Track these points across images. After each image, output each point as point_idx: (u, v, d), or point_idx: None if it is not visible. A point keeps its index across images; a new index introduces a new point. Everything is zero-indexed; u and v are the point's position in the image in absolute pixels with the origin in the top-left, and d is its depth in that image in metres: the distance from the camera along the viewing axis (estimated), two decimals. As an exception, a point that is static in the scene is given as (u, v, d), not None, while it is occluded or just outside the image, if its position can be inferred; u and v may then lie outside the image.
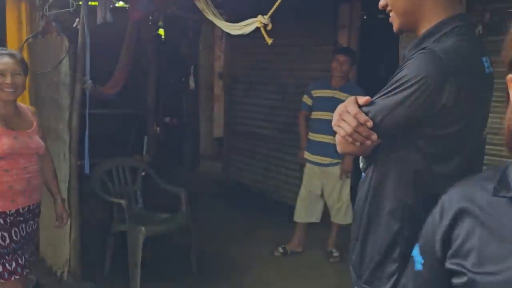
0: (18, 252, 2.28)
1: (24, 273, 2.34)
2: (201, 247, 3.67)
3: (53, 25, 3.32)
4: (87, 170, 3.14)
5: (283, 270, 3.69)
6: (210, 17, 2.39)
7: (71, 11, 3.31)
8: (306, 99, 3.87)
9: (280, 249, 3.94)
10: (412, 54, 1.22)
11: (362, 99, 1.22)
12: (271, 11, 2.06)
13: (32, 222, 2.38)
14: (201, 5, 2.41)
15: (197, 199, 4.50)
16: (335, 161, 3.74)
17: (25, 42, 3.27)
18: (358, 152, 1.32)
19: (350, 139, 1.19)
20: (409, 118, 1.19)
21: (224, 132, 6.18)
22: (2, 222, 2.23)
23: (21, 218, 2.30)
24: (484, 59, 1.24)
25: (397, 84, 1.19)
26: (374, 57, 5.58)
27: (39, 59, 3.25)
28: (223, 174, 6.13)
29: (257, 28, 2.18)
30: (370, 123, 1.18)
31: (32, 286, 3.09)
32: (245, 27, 2.18)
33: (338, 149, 1.29)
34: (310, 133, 3.83)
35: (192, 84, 6.37)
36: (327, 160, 3.76)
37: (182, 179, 5.10)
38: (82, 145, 3.14)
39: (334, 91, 3.69)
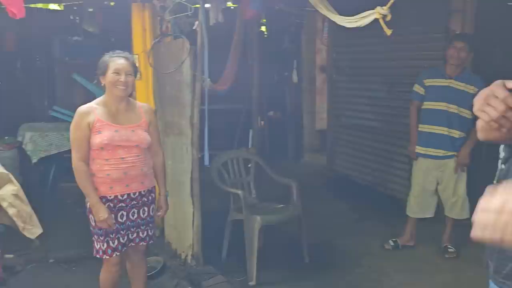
0: (121, 232, 2.58)
1: (123, 250, 2.63)
2: (310, 238, 3.74)
3: (171, 28, 3.61)
4: (207, 162, 3.37)
5: (396, 263, 3.64)
6: (324, 11, 2.43)
7: (189, 15, 3.57)
8: (418, 89, 3.69)
9: (391, 242, 3.87)
10: None
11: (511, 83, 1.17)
12: (391, 1, 2.04)
13: (135, 210, 2.62)
14: (314, 0, 2.46)
15: (303, 190, 4.58)
16: (450, 153, 3.56)
17: (153, 45, 3.58)
18: (502, 139, 1.26)
19: (496, 125, 1.15)
20: None
21: (327, 125, 6.18)
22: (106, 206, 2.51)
23: (122, 205, 2.57)
24: None
25: None
26: (489, 44, 5.18)
27: (163, 61, 3.55)
28: (327, 166, 6.14)
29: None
30: None
31: (160, 267, 3.41)
32: (362, 19, 2.18)
33: (480, 136, 1.25)
34: (421, 125, 3.67)
35: (295, 78, 6.46)
36: (441, 152, 3.59)
37: (287, 171, 5.22)
38: (202, 139, 3.38)
39: (450, 80, 3.51)
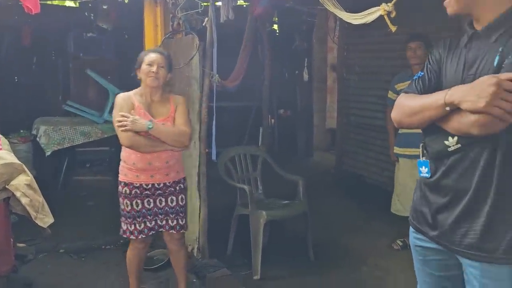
0: (148, 217, 2.76)
1: (150, 233, 2.80)
2: (316, 235, 3.76)
3: (183, 25, 3.67)
4: (214, 157, 3.42)
5: (402, 262, 3.63)
6: (331, 8, 2.46)
7: (200, 11, 3.63)
8: (391, 95, 3.79)
9: (399, 242, 3.86)
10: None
11: (508, 75, 1.21)
12: (395, -2, 2.06)
13: (162, 198, 2.76)
14: (322, -3, 2.49)
15: (311, 188, 4.60)
16: None
17: (163, 40, 3.64)
18: (496, 131, 1.29)
19: (509, 118, 1.19)
20: None
21: (337, 123, 6.19)
22: (129, 191, 2.71)
23: (147, 192, 2.73)
24: None
25: None
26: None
27: (173, 56, 3.59)
28: (336, 164, 6.15)
29: (380, 17, 2.19)
30: None
31: (166, 259, 3.47)
32: (368, 15, 2.21)
33: (481, 130, 1.27)
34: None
35: (305, 76, 6.47)
36: (418, 151, 3.60)
37: (296, 168, 5.25)
38: (209, 135, 3.43)
39: None
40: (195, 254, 3.44)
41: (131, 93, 2.74)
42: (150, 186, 2.72)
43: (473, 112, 1.25)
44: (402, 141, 3.71)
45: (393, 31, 2.13)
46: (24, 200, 2.98)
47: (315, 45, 6.75)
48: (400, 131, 3.74)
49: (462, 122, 1.30)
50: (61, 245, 3.88)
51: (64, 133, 5.02)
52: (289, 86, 7.08)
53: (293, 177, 3.72)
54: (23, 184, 3.02)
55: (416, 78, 1.56)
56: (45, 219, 3.08)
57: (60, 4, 6.69)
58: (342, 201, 5.09)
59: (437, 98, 1.36)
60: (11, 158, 3.06)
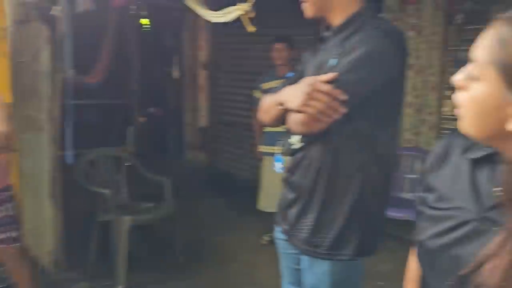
0: None
1: None
2: (187, 236, 3.68)
3: (33, 13, 3.27)
4: (70, 160, 3.12)
5: (270, 257, 3.70)
6: (191, 4, 2.38)
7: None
8: (256, 94, 3.89)
9: (266, 237, 3.97)
10: (351, 34, 1.36)
11: (328, 76, 1.27)
12: (253, -2, 2.06)
13: None
14: (182, -8, 2.40)
15: (182, 188, 4.50)
16: None
17: (4, 30, 3.20)
18: (317, 130, 1.35)
19: (323, 117, 1.24)
20: (370, 91, 1.32)
21: (208, 122, 6.18)
22: None
23: None
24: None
25: (358, 61, 1.29)
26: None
27: (20, 48, 3.20)
28: (208, 163, 6.14)
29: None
30: (343, 97, 1.27)
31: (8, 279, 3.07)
32: (227, 14, 2.17)
33: (301, 130, 1.35)
34: (266, 127, 3.79)
35: (176, 74, 6.34)
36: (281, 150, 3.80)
37: (167, 169, 5.10)
38: (65, 135, 3.12)
39: (281, 80, 3.73)
40: (49, 269, 3.10)
41: None
42: None
43: (294, 111, 1.33)
44: (267, 140, 3.81)
45: (249, 31, 2.12)
46: None
47: (186, 42, 6.64)
48: (265, 129, 3.83)
49: (289, 121, 1.38)
50: None
51: None
52: (160, 83, 6.86)
53: (159, 179, 3.58)
54: None
55: (286, 79, 1.65)
56: None
57: None
58: (213, 200, 5.08)
59: (275, 98, 1.43)
60: None
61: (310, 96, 1.24)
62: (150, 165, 3.81)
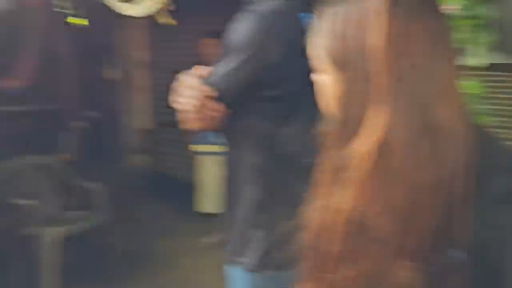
0: None
1: None
2: (126, 244, 3.53)
3: None
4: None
5: (211, 260, 3.64)
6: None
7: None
8: None
9: (204, 240, 3.87)
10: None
11: (204, 71, 1.20)
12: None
13: None
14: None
15: (122, 194, 4.31)
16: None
17: None
18: (211, 127, 1.28)
19: (200, 114, 1.17)
20: (247, 83, 1.22)
21: (150, 123, 5.99)
22: None
23: None
24: (303, 15, 1.26)
25: (231, 50, 1.21)
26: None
27: None
28: (150, 166, 5.94)
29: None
30: (214, 94, 1.18)
31: None
32: (141, 7, 2.04)
33: (191, 126, 1.26)
34: None
35: (111, 74, 6.08)
36: (216, 148, 3.76)
37: (107, 174, 4.87)
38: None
39: None
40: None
41: None
42: None
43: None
44: (199, 138, 3.71)
45: (171, 24, 2.01)
46: None
47: (122, 42, 6.38)
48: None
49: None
50: None
51: None
52: (94, 85, 6.55)
53: (91, 185, 3.39)
54: None
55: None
56: None
57: None
58: (155, 204, 4.92)
59: None
60: None
61: (177, 93, 1.17)
62: (88, 172, 3.62)
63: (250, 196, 1.26)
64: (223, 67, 1.19)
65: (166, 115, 5.70)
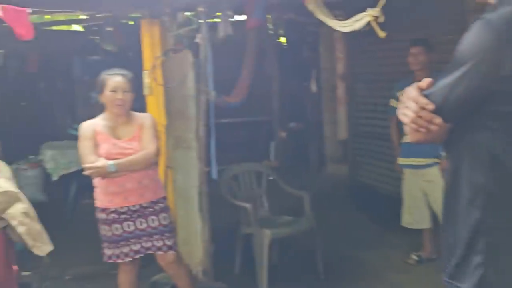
0: (131, 240, 2.68)
1: (137, 256, 2.72)
2: (327, 251, 3.62)
3: (182, 42, 3.62)
4: (214, 175, 3.32)
5: (419, 278, 3.45)
6: (320, 16, 2.36)
7: (196, 29, 3.57)
8: (393, 103, 3.67)
9: (414, 257, 3.68)
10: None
11: (424, 82, 1.11)
12: (381, 2, 1.95)
13: (142, 219, 2.66)
14: (311, 6, 2.40)
15: (323, 202, 4.45)
16: (431, 161, 3.43)
17: (156, 60, 3.60)
18: (429, 140, 1.19)
19: (414, 126, 1.10)
20: (470, 96, 1.09)
21: (348, 134, 6.05)
22: (106, 216, 2.65)
23: (125, 216, 2.64)
24: None
25: (454, 60, 1.10)
26: None
27: (170, 74, 3.55)
28: (349, 176, 5.99)
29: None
30: (430, 106, 1.10)
31: (171, 284, 3.36)
32: (356, 22, 2.10)
33: (409, 138, 1.21)
34: (404, 137, 3.58)
35: (314, 88, 6.37)
36: (422, 161, 3.48)
37: (308, 182, 5.12)
38: (210, 152, 3.34)
39: None
40: (200, 277, 3.33)
41: (96, 119, 2.69)
42: (125, 209, 2.64)
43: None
44: (405, 151, 3.57)
45: (381, 37, 2.01)
46: (20, 229, 2.93)
47: (323, 56, 6.64)
48: (403, 140, 3.61)
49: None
50: (67, 271, 3.82)
51: (71, 156, 4.99)
52: (299, 98, 6.97)
53: (298, 193, 3.60)
54: (19, 213, 2.96)
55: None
56: (42, 247, 3.02)
57: (65, 29, 6.76)
58: (354, 214, 4.92)
59: None
60: (7, 186, 3.02)
61: (403, 105, 1.12)
62: (291, 179, 3.87)
63: (475, 219, 1.16)
64: (445, 79, 1.12)
65: (363, 126, 5.72)
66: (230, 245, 3.57)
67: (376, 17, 1.97)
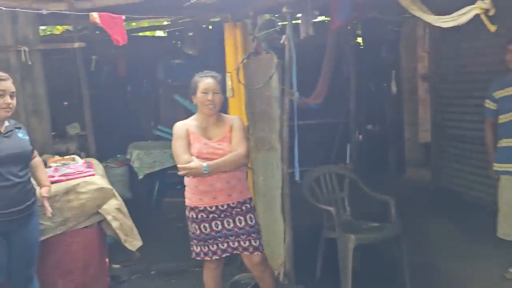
0: (219, 239, 2.75)
1: (224, 255, 2.81)
2: (414, 261, 3.45)
3: (262, 45, 3.64)
4: (297, 177, 3.30)
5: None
6: (417, 13, 2.25)
7: (278, 30, 3.58)
8: (488, 104, 3.45)
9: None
10: None
11: None
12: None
13: (229, 219, 2.72)
14: (405, 2, 2.29)
15: (404, 207, 4.25)
16: None
17: (240, 62, 3.65)
18: None
19: None
20: None
21: (432, 137, 5.76)
22: (195, 215, 2.72)
23: (214, 215, 2.70)
24: None
25: None
26: None
27: (252, 76, 3.59)
28: (431, 181, 5.70)
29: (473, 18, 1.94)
30: None
31: (253, 283, 3.38)
32: (461, 16, 1.97)
33: None
34: (499, 141, 3.35)
35: (394, 88, 6.14)
36: None
37: (387, 186, 4.92)
38: (292, 154, 3.32)
39: None
40: (281, 280, 3.32)
41: (188, 120, 2.79)
42: (214, 208, 2.71)
43: None
44: (502, 156, 3.32)
45: (492, 31, 1.87)
46: (114, 224, 3.11)
47: (403, 56, 6.39)
48: (499, 144, 3.36)
49: None
50: (152, 266, 3.99)
51: (155, 156, 5.22)
52: (376, 99, 6.77)
53: (383, 197, 3.47)
54: (113, 208, 3.15)
55: None
56: (133, 242, 3.18)
57: (150, 35, 7.11)
58: (439, 221, 4.65)
59: None
60: (102, 182, 3.21)
61: None
62: (369, 182, 3.74)
63: None
64: None
65: (449, 128, 5.41)
66: (311, 248, 3.53)
67: (486, 10, 1.84)
